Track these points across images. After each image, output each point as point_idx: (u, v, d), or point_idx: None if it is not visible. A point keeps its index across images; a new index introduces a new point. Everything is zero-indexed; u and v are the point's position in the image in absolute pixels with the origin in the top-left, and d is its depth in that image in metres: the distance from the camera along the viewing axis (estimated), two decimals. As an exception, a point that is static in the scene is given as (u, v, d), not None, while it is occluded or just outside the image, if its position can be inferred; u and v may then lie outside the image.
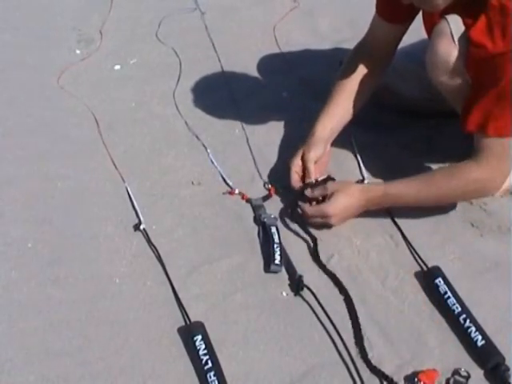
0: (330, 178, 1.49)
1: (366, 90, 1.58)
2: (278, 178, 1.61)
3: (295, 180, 1.50)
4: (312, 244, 1.42)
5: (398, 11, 1.44)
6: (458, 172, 1.38)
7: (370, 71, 1.57)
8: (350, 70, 1.57)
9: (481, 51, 1.25)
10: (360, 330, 1.24)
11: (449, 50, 1.32)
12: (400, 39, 1.57)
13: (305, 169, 1.51)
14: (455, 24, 1.30)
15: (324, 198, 1.45)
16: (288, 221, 1.50)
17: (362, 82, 1.57)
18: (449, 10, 1.30)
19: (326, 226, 1.44)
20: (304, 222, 1.47)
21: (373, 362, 1.18)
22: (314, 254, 1.40)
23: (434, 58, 1.35)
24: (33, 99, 1.99)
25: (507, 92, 1.25)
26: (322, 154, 1.52)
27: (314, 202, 1.46)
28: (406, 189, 1.40)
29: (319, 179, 1.49)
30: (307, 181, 1.49)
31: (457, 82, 1.36)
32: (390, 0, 1.41)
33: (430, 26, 1.40)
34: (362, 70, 1.57)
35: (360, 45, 1.62)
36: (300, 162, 1.51)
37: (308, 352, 1.22)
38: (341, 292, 1.32)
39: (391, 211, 1.48)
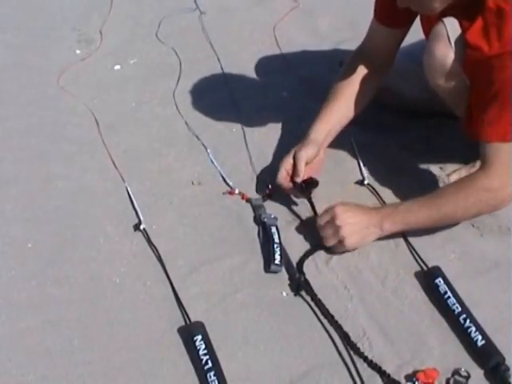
0: (313, 180, 1.48)
1: (365, 94, 1.57)
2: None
3: (282, 177, 1.49)
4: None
5: (396, 16, 1.43)
6: (467, 182, 1.35)
7: (370, 75, 1.56)
8: (349, 74, 1.56)
9: (477, 53, 1.25)
10: (336, 321, 1.24)
11: (445, 53, 1.32)
12: (400, 43, 1.56)
13: (294, 167, 1.49)
14: (452, 26, 1.30)
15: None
16: (288, 221, 1.51)
17: (361, 86, 1.56)
18: (446, 13, 1.30)
19: (339, 240, 1.36)
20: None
21: (373, 361, 1.18)
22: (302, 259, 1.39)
23: (431, 60, 1.36)
24: (33, 99, 1.99)
25: (506, 95, 1.25)
26: (314, 156, 1.50)
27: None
28: (415, 204, 1.35)
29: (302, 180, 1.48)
30: (295, 179, 1.47)
31: (454, 84, 1.36)
32: (387, 5, 1.40)
33: (428, 28, 1.40)
34: (361, 74, 1.56)
35: (359, 49, 1.61)
36: (291, 161, 1.50)
37: (308, 352, 1.22)
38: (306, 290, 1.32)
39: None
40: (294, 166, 1.49)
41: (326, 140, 1.55)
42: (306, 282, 1.33)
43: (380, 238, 1.44)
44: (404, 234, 1.44)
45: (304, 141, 1.52)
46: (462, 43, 1.29)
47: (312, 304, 1.30)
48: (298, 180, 1.47)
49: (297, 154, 1.49)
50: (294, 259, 1.40)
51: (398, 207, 1.38)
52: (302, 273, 1.35)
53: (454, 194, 1.34)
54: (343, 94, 1.56)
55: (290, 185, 1.49)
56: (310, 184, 1.48)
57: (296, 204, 1.53)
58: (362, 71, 1.56)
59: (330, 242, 1.38)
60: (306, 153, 1.48)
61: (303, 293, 1.32)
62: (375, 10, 1.52)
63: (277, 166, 1.53)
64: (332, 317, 1.26)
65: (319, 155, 1.52)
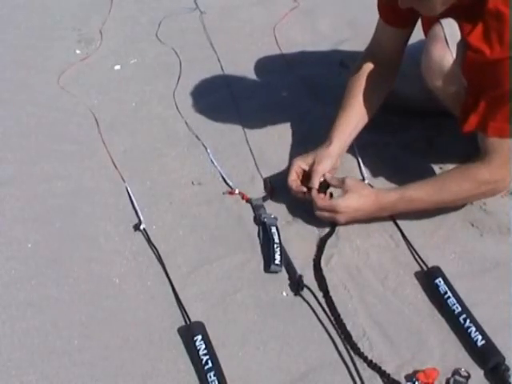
0: (326, 183, 1.48)
1: (378, 97, 1.57)
2: (278, 177, 1.61)
3: (292, 179, 1.49)
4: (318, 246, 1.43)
5: (400, 15, 1.43)
6: (469, 175, 1.38)
7: (380, 77, 1.56)
8: (361, 78, 1.56)
9: (478, 56, 1.25)
10: (345, 327, 1.24)
11: (443, 54, 1.32)
12: (406, 42, 1.56)
13: (307, 175, 1.49)
14: (450, 28, 1.30)
15: (331, 196, 1.46)
16: (288, 221, 1.51)
17: (374, 89, 1.56)
18: (447, 15, 1.30)
19: (332, 221, 1.44)
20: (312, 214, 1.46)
21: (373, 361, 1.18)
22: (317, 256, 1.41)
23: (429, 61, 1.36)
24: (33, 99, 1.99)
25: (505, 95, 1.26)
26: (330, 168, 1.50)
27: (324, 196, 1.46)
28: (418, 194, 1.40)
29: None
30: (310, 186, 1.46)
31: (452, 85, 1.37)
32: (393, 5, 1.40)
33: (429, 28, 1.39)
34: (372, 77, 1.56)
35: (367, 51, 1.61)
36: (303, 166, 1.50)
37: (308, 352, 1.22)
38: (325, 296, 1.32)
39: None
40: (310, 177, 1.48)
41: (343, 150, 1.56)
42: (323, 279, 1.34)
43: (380, 238, 1.45)
44: (404, 234, 1.45)
45: (323, 152, 1.50)
46: (462, 45, 1.29)
47: (312, 304, 1.30)
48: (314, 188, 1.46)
49: (315, 167, 1.48)
50: (294, 259, 1.40)
51: (400, 198, 1.40)
52: (320, 269, 1.37)
53: (456, 189, 1.39)
54: (358, 100, 1.55)
55: (301, 188, 1.48)
56: (324, 187, 1.48)
57: (296, 204, 1.53)
58: (372, 74, 1.56)
59: (323, 219, 1.44)
60: (323, 167, 1.48)
61: (303, 293, 1.32)
62: (380, 10, 1.52)
63: (285, 168, 1.51)
64: (339, 315, 1.27)
65: (335, 165, 1.52)
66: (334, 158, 1.51)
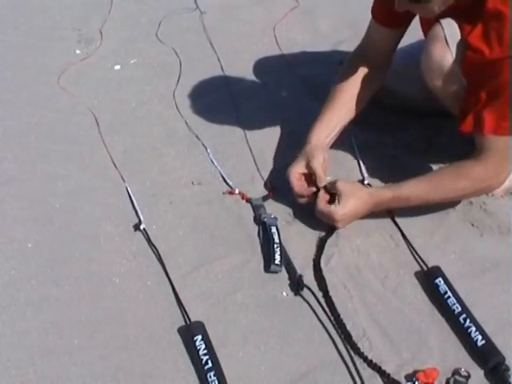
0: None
1: (364, 94, 1.57)
2: (278, 177, 1.61)
3: (298, 185, 1.48)
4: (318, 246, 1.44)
5: (394, 16, 1.43)
6: (464, 173, 1.38)
7: (368, 75, 1.57)
8: (348, 75, 1.57)
9: (477, 56, 1.26)
10: (345, 327, 1.25)
11: (443, 54, 1.32)
12: (398, 43, 1.57)
13: (310, 176, 1.49)
14: (449, 28, 1.31)
15: (331, 195, 1.45)
16: (288, 221, 1.51)
17: (360, 86, 1.56)
18: (445, 15, 1.30)
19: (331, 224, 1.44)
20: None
21: (373, 361, 1.19)
22: (317, 256, 1.41)
23: (429, 62, 1.36)
24: (33, 99, 1.99)
25: (503, 94, 1.26)
26: (323, 161, 1.50)
27: (327, 196, 1.46)
28: (413, 192, 1.40)
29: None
30: (318, 185, 1.46)
31: (452, 85, 1.37)
32: (386, 5, 1.40)
33: (428, 29, 1.40)
34: (359, 74, 1.56)
35: (357, 49, 1.62)
36: (300, 170, 1.49)
37: (308, 352, 1.22)
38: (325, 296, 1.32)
39: (391, 211, 1.48)
40: (311, 173, 1.48)
41: (328, 143, 1.56)
42: (323, 279, 1.35)
43: (380, 238, 1.45)
44: (404, 234, 1.45)
45: (308, 148, 1.50)
46: (462, 45, 1.29)
47: (312, 304, 1.30)
48: (321, 185, 1.46)
49: (311, 162, 1.48)
50: (294, 259, 1.40)
51: (394, 197, 1.41)
52: (320, 270, 1.37)
53: (450, 187, 1.40)
54: (342, 96, 1.57)
55: (311, 190, 1.47)
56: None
57: (296, 204, 1.53)
58: (360, 72, 1.57)
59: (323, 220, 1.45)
60: (318, 160, 1.48)
61: (303, 292, 1.32)
62: (373, 11, 1.52)
63: (285, 168, 1.51)
64: (339, 315, 1.27)
65: (325, 156, 1.52)
66: (321, 150, 1.50)
